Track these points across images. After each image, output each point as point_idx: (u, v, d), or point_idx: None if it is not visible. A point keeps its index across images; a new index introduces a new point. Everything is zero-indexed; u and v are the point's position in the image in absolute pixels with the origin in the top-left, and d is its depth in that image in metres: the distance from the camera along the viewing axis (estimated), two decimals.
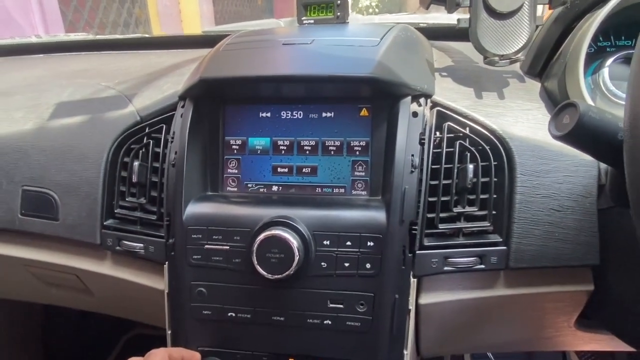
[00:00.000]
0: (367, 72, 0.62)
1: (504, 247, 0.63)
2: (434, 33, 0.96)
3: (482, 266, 0.63)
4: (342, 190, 0.70)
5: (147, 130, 0.74)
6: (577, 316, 0.71)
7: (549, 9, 0.68)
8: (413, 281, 0.63)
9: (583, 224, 0.62)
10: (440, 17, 1.31)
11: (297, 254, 0.59)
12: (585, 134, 0.45)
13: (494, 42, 0.67)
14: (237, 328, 0.66)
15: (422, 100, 0.66)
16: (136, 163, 0.71)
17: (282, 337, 0.65)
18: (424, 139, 0.64)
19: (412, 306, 0.63)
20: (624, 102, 0.67)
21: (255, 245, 0.60)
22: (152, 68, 0.92)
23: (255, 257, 0.60)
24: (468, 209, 0.64)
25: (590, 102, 0.63)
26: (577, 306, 0.69)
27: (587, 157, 0.63)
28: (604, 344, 0.79)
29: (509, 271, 0.64)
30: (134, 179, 0.71)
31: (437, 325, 0.70)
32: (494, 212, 0.64)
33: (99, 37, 1.36)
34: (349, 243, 0.62)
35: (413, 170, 0.62)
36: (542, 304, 0.69)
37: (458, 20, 0.69)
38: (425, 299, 0.66)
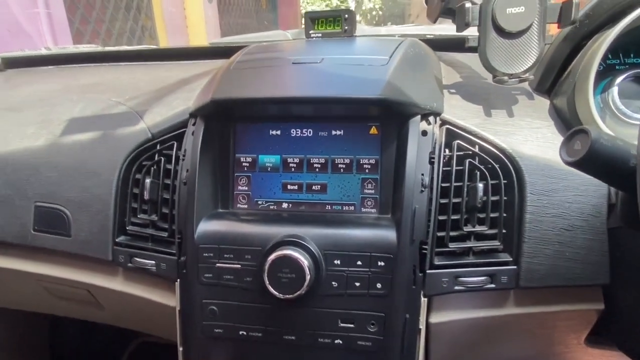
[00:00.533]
0: (377, 94, 0.62)
1: (514, 267, 0.63)
2: (442, 45, 0.97)
3: (493, 285, 0.63)
4: (351, 208, 0.70)
5: (158, 147, 0.74)
6: (587, 334, 0.71)
7: (558, 27, 0.68)
8: (424, 300, 0.63)
9: (593, 244, 0.62)
10: (447, 28, 1.31)
11: (308, 273, 0.60)
12: (596, 161, 0.45)
13: (503, 61, 0.67)
14: (249, 347, 0.67)
15: (431, 118, 0.67)
16: (148, 180, 0.72)
17: (293, 357, 0.66)
18: (433, 158, 0.64)
19: (422, 325, 0.64)
20: (632, 121, 0.68)
21: (267, 265, 0.60)
22: (162, 83, 0.93)
23: (266, 277, 0.60)
24: (478, 227, 0.64)
25: (599, 120, 0.64)
26: (587, 324, 0.69)
27: None
28: (613, 359, 0.79)
29: (519, 290, 0.64)
30: (146, 196, 0.72)
31: (446, 343, 0.70)
32: (504, 231, 0.64)
33: (107, 48, 1.37)
34: (359, 263, 0.62)
35: (423, 189, 0.63)
36: (553, 322, 0.69)
37: (467, 38, 0.70)
38: (435, 318, 0.66)
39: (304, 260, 0.60)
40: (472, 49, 0.70)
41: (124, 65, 1.17)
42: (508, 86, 0.74)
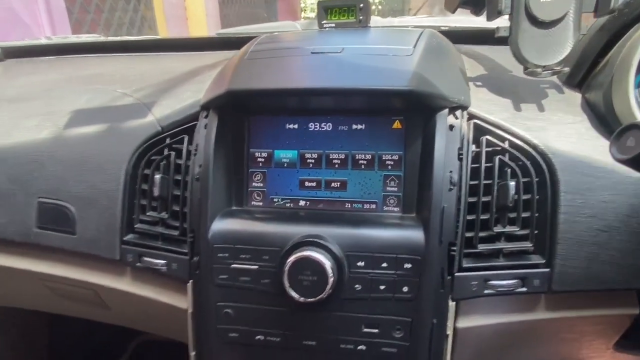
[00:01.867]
0: (404, 85, 0.58)
1: (547, 269, 0.60)
2: (459, 37, 0.93)
3: (524, 289, 0.60)
4: (373, 206, 0.66)
5: (168, 141, 0.70)
6: (617, 339, 0.68)
7: (594, 17, 0.64)
8: (452, 305, 0.60)
9: (630, 246, 0.59)
10: (461, 20, 1.27)
11: (331, 276, 0.56)
12: None
13: (535, 53, 0.63)
14: (266, 352, 0.63)
15: (458, 112, 0.63)
16: (157, 176, 0.68)
17: None
18: (462, 154, 0.61)
19: (450, 331, 0.60)
20: None
21: (287, 267, 0.57)
22: (169, 74, 0.89)
23: (286, 280, 0.57)
24: (509, 228, 0.61)
25: (639, 116, 0.60)
26: (618, 329, 0.66)
27: (635, 175, 0.60)
28: None
29: (551, 294, 0.61)
30: (155, 192, 0.68)
31: (472, 348, 0.67)
32: (535, 232, 0.61)
33: (110, 38, 1.32)
34: (384, 265, 0.59)
35: (452, 187, 0.59)
36: (582, 327, 0.66)
37: (497, 28, 0.66)
38: (462, 323, 0.63)
39: (327, 262, 0.56)
40: (490, 35, 0.67)
41: (127, 56, 1.13)
42: (538, 79, 0.71)
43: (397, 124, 0.66)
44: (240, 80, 0.63)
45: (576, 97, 0.70)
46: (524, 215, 0.61)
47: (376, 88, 0.59)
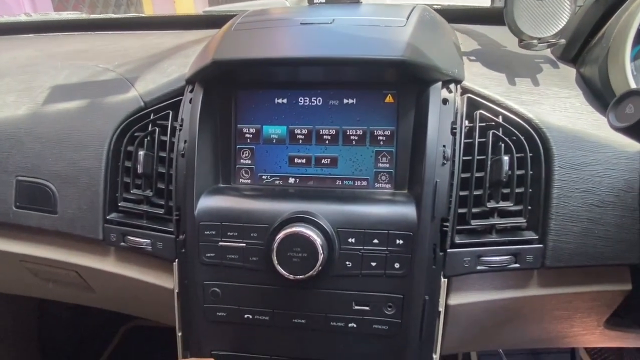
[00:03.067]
0: (397, 55, 0.56)
1: (540, 245, 0.59)
2: (452, 15, 0.91)
3: (517, 265, 0.59)
4: (364, 183, 0.65)
5: (152, 117, 0.68)
6: (609, 315, 0.68)
7: None
8: (444, 281, 0.59)
9: (624, 221, 0.58)
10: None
11: (321, 252, 0.55)
12: None
13: (531, 24, 0.61)
14: (254, 331, 0.62)
15: (452, 86, 0.61)
16: (141, 152, 0.66)
17: (303, 341, 0.61)
18: (455, 129, 0.59)
19: (442, 308, 0.59)
20: None
21: (276, 244, 0.55)
22: (153, 49, 0.86)
23: (275, 257, 0.55)
24: (502, 203, 0.60)
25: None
26: (611, 306, 0.66)
27: (629, 149, 0.59)
28: (631, 341, 0.77)
29: (544, 270, 0.60)
30: (139, 169, 0.65)
31: (463, 325, 0.66)
32: (529, 208, 0.60)
33: (93, 16, 1.28)
34: (376, 241, 0.57)
35: (445, 162, 0.58)
36: (575, 304, 0.65)
37: None
38: (454, 300, 0.62)
39: (317, 238, 0.55)
40: (484, 14, 0.65)
41: (111, 34, 1.09)
42: (530, 53, 0.69)
43: (389, 98, 0.64)
44: (226, 50, 0.61)
45: (571, 71, 0.69)
46: (517, 190, 0.60)
47: (368, 57, 0.57)
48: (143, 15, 1.19)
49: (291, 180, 0.66)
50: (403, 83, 0.63)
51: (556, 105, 0.62)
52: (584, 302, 0.65)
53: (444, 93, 0.60)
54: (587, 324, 0.70)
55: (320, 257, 0.55)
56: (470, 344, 0.76)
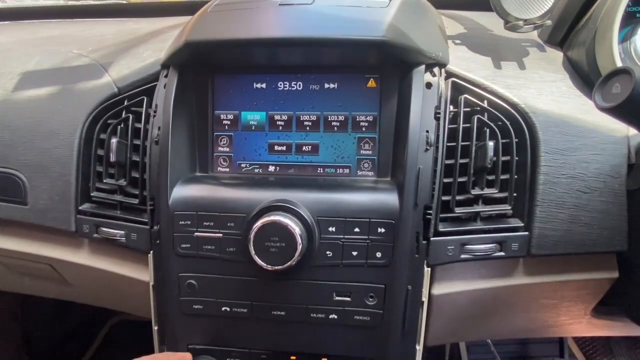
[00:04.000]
0: (378, 35, 0.54)
1: (526, 233, 0.57)
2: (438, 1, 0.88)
3: (502, 253, 0.57)
4: (346, 171, 0.63)
5: (125, 103, 0.65)
6: (595, 304, 0.67)
7: None
8: (427, 270, 0.57)
9: (611, 207, 0.57)
10: None
11: (300, 242, 0.53)
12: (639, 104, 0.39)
13: (517, 5, 0.60)
14: (233, 324, 0.60)
15: (436, 69, 0.59)
16: (114, 140, 0.63)
17: (283, 334, 0.59)
18: (439, 114, 0.58)
19: (425, 298, 0.58)
20: None
21: (253, 233, 0.53)
22: (130, 35, 0.82)
23: (252, 247, 0.53)
24: (487, 190, 0.58)
25: None
26: (597, 294, 0.65)
27: (616, 134, 0.58)
28: (617, 330, 0.76)
29: (529, 258, 0.59)
30: (112, 158, 0.63)
31: (447, 315, 0.65)
32: (514, 194, 0.58)
33: (71, 3, 1.24)
34: (357, 229, 0.56)
35: (428, 148, 0.56)
36: (562, 292, 0.64)
37: None
38: (438, 289, 0.61)
39: (295, 227, 0.53)
40: (482, 4, 0.62)
41: (89, 21, 1.05)
42: (516, 36, 0.68)
43: (371, 83, 0.62)
44: (200, 31, 0.58)
45: (558, 55, 0.67)
46: (502, 177, 0.58)
47: (348, 38, 0.54)
48: (121, 1, 1.15)
49: (271, 168, 0.64)
50: (386, 67, 0.61)
51: (542, 90, 0.61)
52: (571, 291, 0.64)
53: (428, 77, 0.58)
54: (573, 312, 0.69)
55: (299, 247, 0.53)
56: (455, 334, 0.75)
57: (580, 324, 0.73)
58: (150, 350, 0.79)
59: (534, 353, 1.38)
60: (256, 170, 0.65)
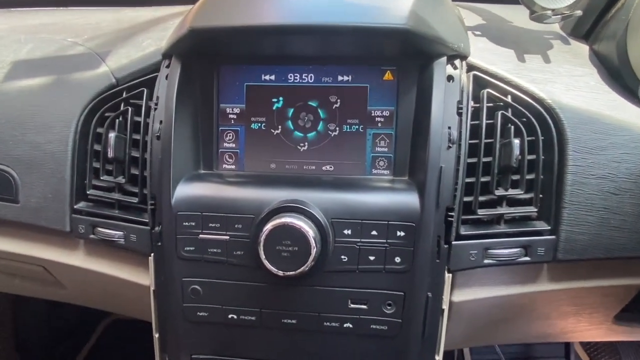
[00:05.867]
0: (400, 23, 0.50)
1: (552, 236, 0.54)
2: None
3: (527, 258, 0.54)
4: (360, 169, 0.59)
5: (124, 95, 0.62)
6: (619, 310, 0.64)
7: None
8: (448, 277, 0.54)
9: None
10: None
11: (314, 246, 0.49)
12: None
13: None
14: (240, 333, 0.57)
15: (457, 62, 0.56)
16: (112, 134, 0.59)
17: (294, 344, 0.56)
18: (461, 109, 0.54)
19: (446, 305, 0.54)
20: None
21: (263, 236, 0.49)
22: (128, 23, 0.78)
23: (262, 251, 0.49)
24: (511, 191, 0.55)
25: None
26: (623, 300, 0.62)
27: None
28: (637, 335, 0.73)
29: (554, 263, 0.56)
30: (110, 153, 0.59)
31: (465, 322, 0.62)
32: (540, 196, 0.55)
33: None
34: (374, 232, 0.52)
35: (450, 145, 0.52)
36: (586, 299, 0.61)
37: None
38: (458, 296, 0.57)
39: (309, 230, 0.49)
40: None
41: (85, 10, 1.00)
42: (540, 29, 0.64)
43: (388, 75, 0.58)
44: (206, 17, 0.54)
45: (583, 48, 0.63)
46: (528, 177, 0.55)
47: (367, 25, 0.50)
48: None
49: (280, 165, 0.61)
50: (404, 58, 0.57)
51: (570, 84, 0.57)
52: (596, 297, 0.61)
53: (449, 69, 0.55)
54: (594, 319, 0.66)
55: (313, 251, 0.49)
56: (470, 340, 0.72)
57: (599, 329, 0.70)
58: (146, 351, 0.75)
59: (538, 354, 1.36)
60: (264, 168, 0.61)
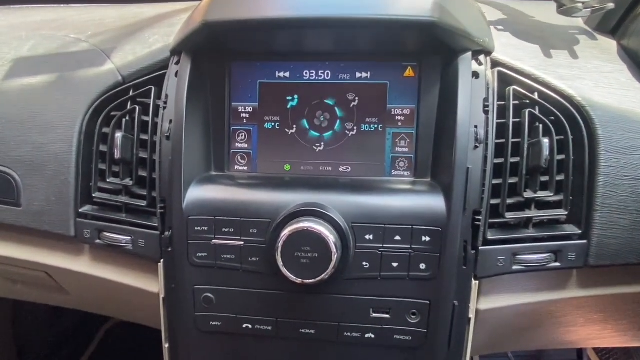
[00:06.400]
0: (426, 15, 0.47)
1: (584, 241, 0.51)
2: None
3: (558, 264, 0.52)
4: (379, 170, 0.56)
5: (131, 94, 0.59)
6: None
7: None
8: (475, 284, 0.51)
9: None
10: None
11: (335, 252, 0.46)
12: None
13: None
14: (255, 343, 0.54)
15: (482, 57, 0.53)
16: (119, 134, 0.56)
17: (312, 355, 0.54)
18: (488, 107, 0.51)
19: (472, 314, 0.52)
20: None
21: (281, 242, 0.47)
22: (133, 19, 0.76)
23: (280, 258, 0.47)
24: (540, 193, 0.52)
25: None
26: None
27: None
28: None
29: (585, 269, 0.53)
30: (117, 154, 0.56)
31: (490, 330, 0.59)
32: (570, 198, 0.52)
33: None
34: (397, 238, 0.49)
35: (477, 145, 0.50)
36: (616, 306, 0.59)
37: None
38: (484, 304, 0.55)
39: (329, 235, 0.47)
40: None
41: (87, 7, 0.97)
42: (565, 24, 0.62)
43: (409, 72, 0.55)
44: (219, 10, 0.51)
45: (611, 44, 0.61)
46: (557, 178, 0.52)
47: (391, 18, 0.48)
48: None
49: (296, 167, 0.58)
50: (425, 53, 0.54)
51: (599, 81, 0.55)
52: (626, 304, 0.58)
53: (474, 65, 0.52)
54: (621, 326, 0.64)
55: (334, 258, 0.46)
56: (493, 347, 0.69)
57: (624, 337, 0.67)
58: (148, 356, 0.72)
59: (550, 356, 1.33)
60: (278, 169, 0.58)
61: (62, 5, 0.99)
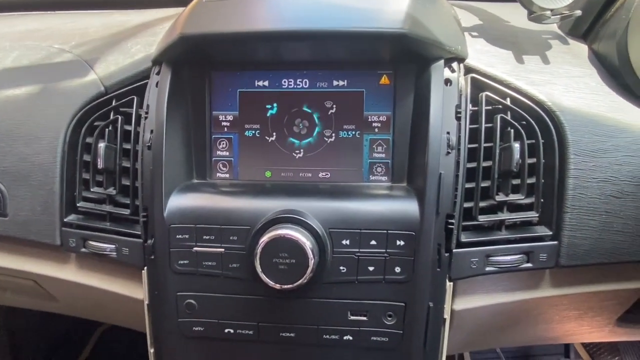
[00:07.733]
0: (396, 27, 0.49)
1: (554, 242, 0.53)
2: None
3: (529, 265, 0.53)
4: (357, 176, 0.58)
5: (114, 104, 0.60)
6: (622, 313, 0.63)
7: None
8: (449, 285, 0.53)
9: None
10: None
11: (312, 257, 0.48)
12: None
13: None
14: (237, 347, 0.55)
15: (455, 64, 0.54)
16: (102, 144, 0.57)
17: (292, 357, 0.55)
18: (460, 113, 0.53)
19: (447, 315, 0.53)
20: None
21: (259, 249, 0.48)
22: (116, 28, 0.76)
23: (259, 264, 0.48)
24: (512, 196, 0.53)
25: None
26: (625, 304, 0.61)
27: None
28: (639, 335, 0.72)
29: (557, 269, 0.55)
30: (100, 164, 0.57)
31: (467, 329, 0.61)
32: (541, 200, 0.54)
33: None
34: (373, 242, 0.51)
35: (450, 151, 0.51)
36: (589, 303, 0.60)
37: None
38: (459, 305, 0.56)
39: (306, 241, 0.48)
40: None
41: (71, 14, 0.98)
42: (539, 29, 0.63)
43: (384, 79, 0.57)
44: (196, 23, 0.52)
45: (582, 48, 0.62)
46: (528, 181, 0.53)
47: (363, 30, 0.49)
48: None
49: (275, 174, 0.59)
50: (400, 62, 0.55)
51: (569, 86, 0.56)
52: (599, 301, 0.60)
53: (447, 72, 0.54)
54: (597, 322, 0.66)
55: (311, 263, 0.48)
56: (470, 345, 0.71)
57: (601, 332, 0.69)
58: (143, 357, 0.73)
59: (538, 352, 1.35)
60: (259, 176, 0.59)
61: (49, 12, 0.99)
